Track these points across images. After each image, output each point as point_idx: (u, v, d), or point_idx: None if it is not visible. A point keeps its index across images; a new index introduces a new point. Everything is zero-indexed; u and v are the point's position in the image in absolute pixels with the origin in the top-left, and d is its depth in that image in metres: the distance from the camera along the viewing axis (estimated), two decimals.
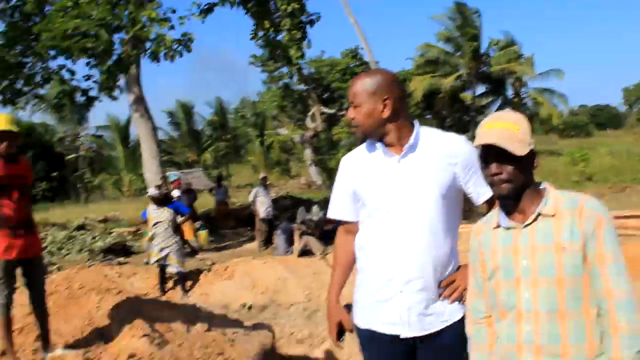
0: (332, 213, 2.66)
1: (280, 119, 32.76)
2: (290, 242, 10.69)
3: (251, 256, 9.50)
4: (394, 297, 2.38)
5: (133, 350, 4.49)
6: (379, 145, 2.46)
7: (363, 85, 2.41)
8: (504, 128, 1.87)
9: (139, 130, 14.54)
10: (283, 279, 7.93)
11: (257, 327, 6.11)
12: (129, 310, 5.15)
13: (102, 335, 4.78)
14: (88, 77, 13.04)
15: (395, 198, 2.38)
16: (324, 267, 7.42)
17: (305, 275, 7.94)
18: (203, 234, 14.08)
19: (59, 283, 5.86)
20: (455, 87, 35.99)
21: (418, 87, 34.38)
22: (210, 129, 45.03)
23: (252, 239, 14.34)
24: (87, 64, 12.03)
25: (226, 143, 43.06)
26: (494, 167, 1.88)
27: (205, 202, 20.15)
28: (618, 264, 1.82)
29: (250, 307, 7.80)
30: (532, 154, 1.89)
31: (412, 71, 37.30)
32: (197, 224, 14.12)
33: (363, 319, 2.51)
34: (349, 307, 2.60)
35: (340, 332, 2.64)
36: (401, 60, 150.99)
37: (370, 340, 2.50)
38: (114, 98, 13.03)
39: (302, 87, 25.65)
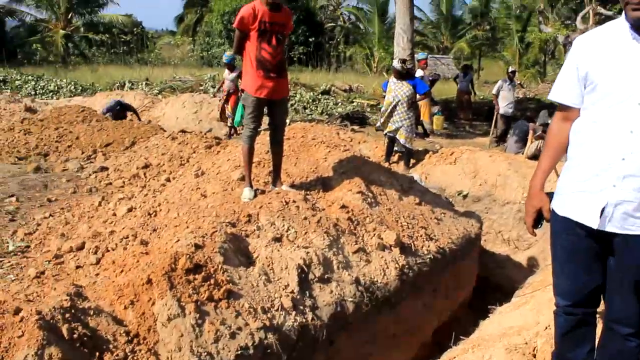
0: (554, 95, 2.50)
1: (547, 15, 30.12)
2: (523, 142, 10.25)
3: (479, 148, 9.35)
4: (604, 190, 2.25)
5: (346, 203, 4.85)
6: (629, 27, 2.21)
7: None
8: None
9: (396, 4, 14.59)
10: (505, 176, 7.73)
11: (466, 214, 6.12)
12: (351, 167, 5.48)
13: (323, 184, 5.20)
14: None
15: (633, 85, 2.16)
16: (551, 175, 7.11)
17: (529, 177, 7.57)
18: (438, 119, 14.14)
19: (296, 132, 6.45)
20: None
21: None
22: (470, 16, 43.39)
23: (486, 133, 14.07)
24: None
25: (483, 34, 41.32)
26: None
27: (449, 90, 19.97)
28: None
29: (465, 196, 7.82)
30: None
31: None
32: (435, 109, 14.17)
33: (563, 206, 2.43)
34: (550, 196, 2.51)
35: (538, 219, 2.57)
36: None
37: (565, 229, 2.42)
38: None
39: None
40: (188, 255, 3.53)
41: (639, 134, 2.16)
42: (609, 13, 23.43)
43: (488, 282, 6.90)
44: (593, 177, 2.28)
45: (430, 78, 13.17)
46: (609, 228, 2.26)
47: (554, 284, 2.61)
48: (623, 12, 2.23)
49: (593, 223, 2.28)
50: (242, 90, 4.93)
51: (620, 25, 2.27)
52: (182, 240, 3.81)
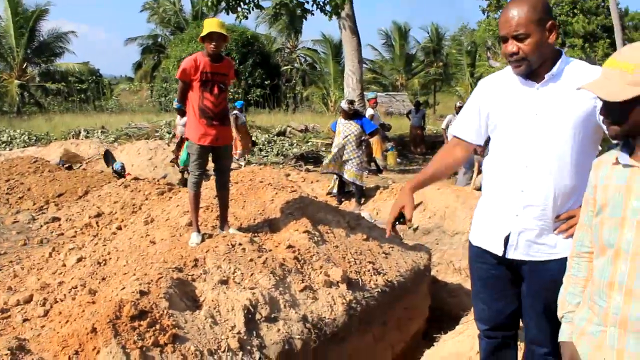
0: (455, 130, 2.73)
1: (495, 50, 31.24)
2: (471, 174, 10.58)
3: None
4: (508, 220, 2.45)
5: (293, 242, 4.97)
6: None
7: (526, 12, 2.24)
8: (614, 68, 1.74)
9: (344, 46, 15.06)
10: (452, 208, 7.96)
11: (415, 247, 6.29)
12: (297, 207, 5.63)
13: (270, 225, 5.33)
14: None
15: (526, 124, 2.38)
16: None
17: (475, 208, 7.83)
18: (391, 155, 14.45)
19: (244, 175, 6.58)
20: None
21: None
22: (423, 54, 44.65)
23: None
24: None
25: (436, 70, 42.50)
26: (603, 108, 1.82)
27: (403, 126, 20.42)
28: None
29: (415, 229, 8.01)
30: None
31: None
32: (388, 145, 14.49)
33: (475, 236, 2.64)
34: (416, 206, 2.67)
35: (399, 219, 2.67)
36: None
37: (478, 258, 2.62)
38: (338, 14, 13.47)
39: None
40: (133, 302, 3.59)
41: (533, 168, 2.37)
42: None
43: (442, 311, 7.04)
44: (500, 208, 2.49)
45: (381, 122, 13.53)
46: (516, 255, 2.45)
47: (474, 310, 2.79)
48: None
49: (498, 250, 2.48)
50: (187, 138, 5.08)
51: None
52: (128, 287, 3.86)
